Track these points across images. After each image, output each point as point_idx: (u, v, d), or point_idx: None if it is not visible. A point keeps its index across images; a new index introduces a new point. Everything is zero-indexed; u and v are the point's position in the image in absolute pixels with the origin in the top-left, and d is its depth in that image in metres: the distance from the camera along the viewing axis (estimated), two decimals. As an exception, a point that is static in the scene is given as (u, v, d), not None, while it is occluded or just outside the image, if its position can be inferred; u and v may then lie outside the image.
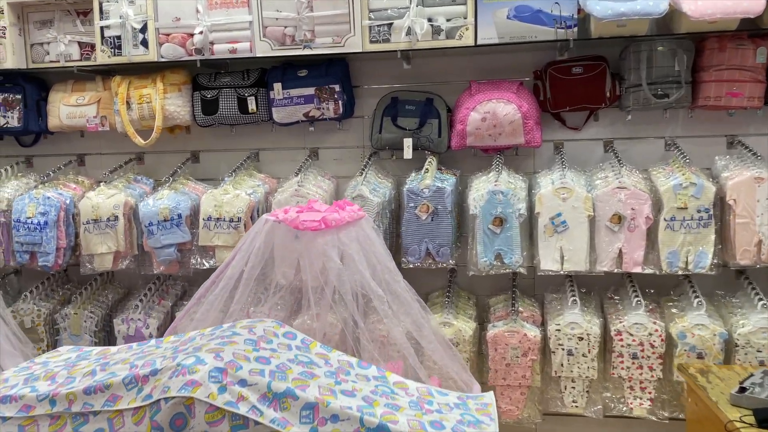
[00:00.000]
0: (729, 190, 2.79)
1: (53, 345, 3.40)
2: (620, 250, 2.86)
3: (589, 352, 2.88)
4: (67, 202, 3.25)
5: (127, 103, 3.25)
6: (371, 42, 2.94)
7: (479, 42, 2.86)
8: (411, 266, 3.01)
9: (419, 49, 2.91)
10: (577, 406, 2.96)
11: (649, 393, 2.90)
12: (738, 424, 2.08)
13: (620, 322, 2.88)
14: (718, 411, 2.21)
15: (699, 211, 2.79)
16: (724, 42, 2.84)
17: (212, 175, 3.47)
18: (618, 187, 2.81)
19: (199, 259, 3.17)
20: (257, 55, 3.06)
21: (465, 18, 2.86)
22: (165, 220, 3.12)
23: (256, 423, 1.49)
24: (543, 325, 3.03)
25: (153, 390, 1.50)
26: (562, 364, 2.91)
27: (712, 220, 2.79)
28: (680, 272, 2.86)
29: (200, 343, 1.66)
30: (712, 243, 2.80)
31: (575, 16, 2.79)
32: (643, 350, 2.85)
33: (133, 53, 3.15)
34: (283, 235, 2.37)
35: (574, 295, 2.96)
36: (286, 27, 3.02)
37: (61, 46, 3.30)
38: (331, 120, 3.22)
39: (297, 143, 3.43)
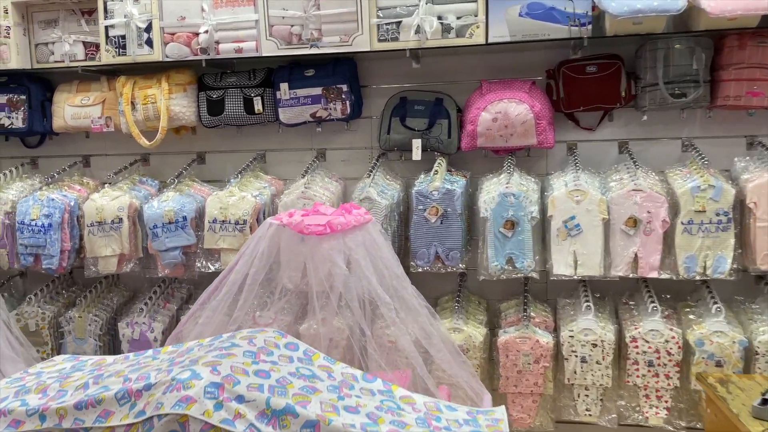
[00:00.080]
0: (749, 192, 2.71)
1: (57, 348, 3.38)
2: (636, 255, 2.79)
3: (603, 359, 2.81)
4: (72, 204, 3.21)
5: (132, 103, 3.22)
6: (379, 41, 2.89)
7: (490, 40, 2.80)
8: (420, 270, 2.96)
9: (429, 47, 2.86)
10: (590, 415, 2.90)
11: (666, 402, 2.83)
12: (761, 438, 2.00)
13: (635, 329, 2.81)
14: (740, 424, 2.13)
15: (718, 215, 2.71)
16: (744, 39, 2.75)
17: (218, 177, 3.43)
18: (633, 190, 2.75)
19: (204, 262, 3.14)
20: (263, 55, 3.01)
21: (476, 15, 2.80)
22: (170, 223, 3.07)
23: None
24: (555, 331, 2.97)
25: (146, 406, 1.44)
26: (575, 372, 2.84)
27: (732, 224, 2.71)
28: (698, 277, 2.78)
29: (197, 354, 1.60)
30: (732, 247, 2.72)
31: (589, 14, 2.72)
32: (659, 358, 2.78)
33: (137, 53, 3.11)
34: (289, 238, 2.32)
35: (587, 301, 2.89)
36: (292, 26, 2.97)
37: (65, 46, 3.26)
38: (338, 120, 3.17)
39: (304, 144, 3.39)
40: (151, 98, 3.19)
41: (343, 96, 3.07)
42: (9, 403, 1.56)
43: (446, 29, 2.82)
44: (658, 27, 2.69)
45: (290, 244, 2.33)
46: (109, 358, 1.82)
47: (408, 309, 2.26)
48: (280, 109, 3.14)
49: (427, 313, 2.29)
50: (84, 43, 3.27)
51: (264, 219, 2.93)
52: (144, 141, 3.22)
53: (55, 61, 3.30)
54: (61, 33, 3.27)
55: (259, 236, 2.31)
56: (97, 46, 3.22)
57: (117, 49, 3.14)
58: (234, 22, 3.01)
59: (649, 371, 2.79)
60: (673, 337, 2.75)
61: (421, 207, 2.90)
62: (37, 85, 3.42)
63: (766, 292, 2.86)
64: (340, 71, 3.08)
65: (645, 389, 2.83)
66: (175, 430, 1.42)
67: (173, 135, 3.41)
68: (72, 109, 3.34)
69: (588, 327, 2.81)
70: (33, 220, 3.16)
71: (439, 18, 2.81)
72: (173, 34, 3.08)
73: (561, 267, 2.82)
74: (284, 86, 3.11)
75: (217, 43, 3.04)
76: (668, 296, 3.02)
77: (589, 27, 2.72)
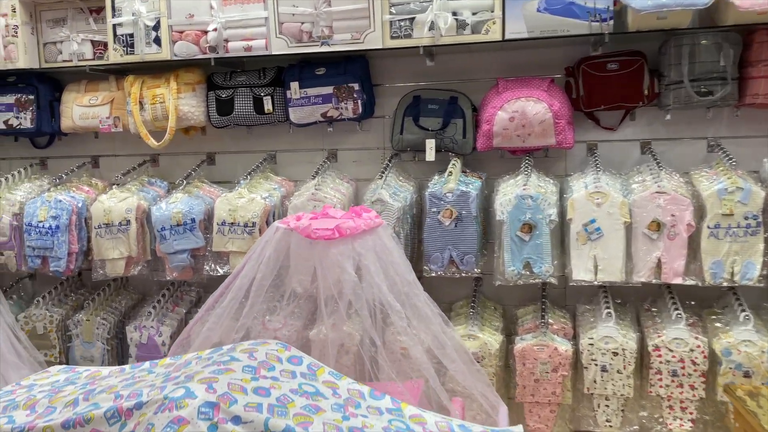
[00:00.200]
0: (780, 195, 2.60)
1: (65, 352, 3.35)
2: (659, 260, 2.71)
3: (624, 368, 2.73)
4: (80, 205, 3.17)
5: (140, 103, 3.16)
6: (392, 38, 2.82)
7: (507, 37, 2.72)
8: (433, 275, 2.90)
9: (443, 44, 2.78)
10: (611, 426, 2.82)
11: (690, 413, 2.73)
12: (795, 458, 1.88)
13: (659, 337, 2.72)
14: (772, 441, 2.01)
15: (746, 218, 2.61)
16: (775, 35, 2.64)
17: (228, 178, 3.38)
18: (657, 192, 2.66)
19: (212, 266, 3.08)
20: (273, 53, 2.95)
21: (492, 11, 2.72)
22: (178, 225, 3.02)
23: None
24: (575, 338, 2.89)
25: (137, 426, 1.36)
26: (595, 381, 2.76)
27: (761, 228, 2.62)
28: (725, 284, 2.68)
29: (194, 369, 1.51)
30: (761, 252, 2.62)
31: (611, 8, 2.63)
32: (683, 367, 2.69)
33: (145, 52, 3.06)
34: (298, 241, 2.25)
35: (608, 307, 2.81)
36: (303, 23, 2.91)
37: (73, 45, 3.22)
38: (350, 120, 3.10)
39: (315, 144, 3.33)
40: (159, 98, 3.14)
41: (355, 95, 3.00)
42: None
43: (461, 25, 2.75)
44: (684, 22, 2.60)
45: (299, 247, 2.27)
46: (105, 371, 1.75)
47: (420, 317, 2.18)
48: (290, 109, 3.08)
49: (440, 321, 2.20)
50: (92, 42, 3.22)
51: (274, 221, 2.87)
52: (152, 141, 3.17)
53: (64, 61, 3.26)
54: (69, 32, 3.22)
55: (266, 240, 2.24)
56: (106, 45, 3.17)
57: (125, 48, 3.09)
58: (243, 19, 2.94)
59: (672, 381, 2.70)
60: (699, 346, 2.66)
61: (434, 209, 2.84)
62: (46, 85, 3.39)
63: (797, 300, 2.75)
64: (351, 70, 3.01)
65: (669, 400, 2.74)
66: (166, 454, 1.33)
67: (183, 135, 3.37)
68: (80, 109, 3.30)
69: (608, 334, 2.73)
70: (40, 221, 3.12)
71: (454, 14, 2.74)
72: (182, 32, 3.03)
73: (581, 272, 2.75)
74: (294, 85, 3.04)
75: (226, 41, 2.98)
76: (692, 303, 2.93)
77: (611, 22, 2.63)
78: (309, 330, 2.72)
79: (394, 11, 2.80)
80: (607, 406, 2.80)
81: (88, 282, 3.58)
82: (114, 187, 3.24)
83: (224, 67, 3.20)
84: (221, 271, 3.05)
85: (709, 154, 2.95)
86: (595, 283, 2.75)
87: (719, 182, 2.65)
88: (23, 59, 3.21)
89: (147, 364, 1.70)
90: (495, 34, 2.72)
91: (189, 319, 3.25)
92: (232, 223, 2.98)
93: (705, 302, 2.95)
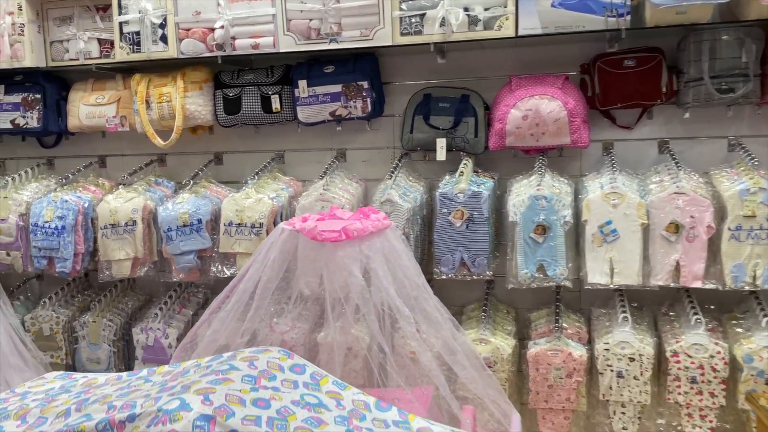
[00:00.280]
0: (805, 196, 2.52)
1: (72, 354, 3.33)
2: (677, 263, 2.63)
3: (641, 374, 2.66)
4: (86, 205, 3.14)
5: (147, 102, 3.13)
6: (402, 34, 2.76)
7: (521, 33, 2.66)
8: (444, 277, 2.84)
9: (454, 41, 2.72)
10: (627, 433, 2.73)
11: (710, 421, 2.66)
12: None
13: (677, 342, 2.65)
14: (797, 453, 1.93)
15: (769, 220, 2.52)
16: (800, 29, 2.56)
17: (236, 178, 3.34)
18: (675, 193, 2.59)
19: (219, 267, 3.04)
20: (281, 50, 2.90)
21: (505, 7, 2.66)
22: (184, 226, 2.98)
23: None
24: (590, 343, 2.83)
25: (128, 440, 1.31)
26: (610, 387, 2.70)
27: (785, 230, 2.52)
28: (747, 288, 2.60)
29: (191, 379, 1.45)
30: (785, 256, 2.54)
31: (628, 3, 2.56)
32: (703, 374, 2.62)
33: (152, 50, 3.02)
34: (305, 241, 2.19)
35: (624, 311, 2.74)
36: (311, 20, 2.86)
37: (80, 44, 3.19)
38: (359, 119, 3.05)
39: (324, 144, 3.28)
40: (166, 96, 3.10)
41: (364, 93, 2.94)
42: None
43: (473, 21, 2.69)
44: (704, 16, 2.52)
45: (306, 248, 2.21)
46: (101, 378, 1.70)
47: (430, 322, 2.11)
48: (298, 108, 3.03)
49: (450, 327, 2.14)
50: (99, 40, 3.19)
51: (281, 222, 2.83)
52: (159, 141, 3.13)
53: (70, 59, 3.23)
54: (76, 30, 3.19)
55: (271, 242, 2.18)
56: (112, 43, 3.14)
57: (131, 46, 3.06)
58: (251, 16, 2.90)
59: (691, 388, 2.63)
60: (719, 352, 2.59)
61: (445, 210, 2.78)
62: (53, 84, 3.36)
63: (822, 305, 2.65)
64: (360, 67, 2.96)
65: (687, 407, 2.67)
66: (158, 470, 1.28)
67: (190, 135, 3.34)
68: (87, 108, 3.27)
69: (625, 339, 2.67)
70: (46, 222, 3.10)
71: (466, 9, 2.68)
72: (188, 29, 2.99)
73: (596, 275, 2.68)
74: (303, 83, 2.99)
75: (234, 38, 2.93)
76: (712, 307, 2.86)
77: (628, 18, 2.56)
78: (317, 333, 2.67)
79: (404, 7, 2.74)
80: (623, 413, 2.73)
81: (94, 283, 3.55)
82: (120, 187, 3.21)
83: (231, 65, 3.15)
84: (228, 273, 3.01)
85: (730, 153, 2.87)
86: (611, 286, 2.69)
87: (741, 182, 2.58)
88: (30, 58, 3.18)
89: (144, 371, 1.65)
90: (508, 30, 2.66)
91: (196, 321, 3.20)
92: (239, 224, 2.93)
93: (725, 306, 2.87)
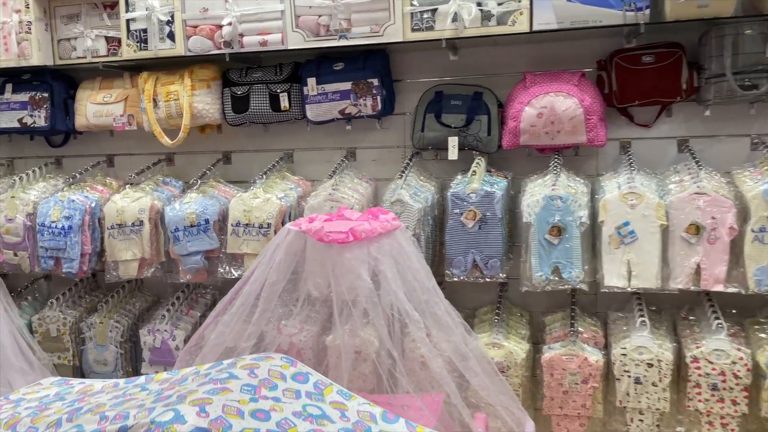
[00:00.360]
0: (832, 196, 2.43)
1: (79, 355, 3.30)
2: (698, 266, 2.56)
3: (660, 380, 2.59)
4: (93, 205, 3.11)
5: (154, 100, 3.09)
6: (413, 30, 2.71)
7: (535, 28, 2.60)
8: (456, 279, 2.79)
9: (467, 37, 2.67)
10: (645, 441, 2.66)
11: (732, 430, 2.58)
12: None
13: (697, 348, 2.58)
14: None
15: (794, 221, 2.44)
16: (827, 23, 2.48)
17: (245, 177, 3.30)
18: (696, 193, 2.52)
19: (227, 268, 2.99)
20: (289, 47, 2.85)
21: (519, 1, 2.60)
22: (191, 226, 2.94)
23: None
24: (606, 348, 2.76)
25: (119, 454, 1.25)
26: (628, 393, 2.63)
27: (811, 232, 2.44)
28: (771, 292, 2.51)
29: (188, 388, 1.39)
30: (811, 258, 2.45)
31: (647, -3, 2.49)
32: (724, 381, 2.54)
33: (159, 47, 2.99)
34: (313, 242, 2.14)
35: (642, 315, 2.68)
36: (320, 16, 2.81)
37: (87, 42, 3.16)
38: (369, 117, 3.01)
39: (333, 143, 3.24)
40: (173, 95, 3.06)
41: (374, 91, 2.89)
42: None
43: (486, 16, 2.63)
44: (727, 10, 2.45)
45: (314, 249, 2.16)
46: (98, 385, 1.65)
47: (440, 326, 2.05)
48: (307, 106, 2.99)
49: (462, 331, 2.08)
50: (106, 38, 3.16)
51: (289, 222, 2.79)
52: (166, 140, 3.10)
53: (78, 57, 3.21)
54: (83, 28, 3.17)
55: (277, 243, 2.13)
56: (119, 41, 3.11)
57: (138, 44, 3.02)
58: (258, 13, 2.86)
59: (713, 395, 2.56)
60: (741, 358, 2.51)
61: (457, 211, 2.73)
62: (60, 83, 3.33)
63: None
64: (370, 64, 2.92)
65: (708, 415, 2.59)
66: (150, 485, 1.22)
67: (199, 134, 3.31)
68: (94, 106, 3.24)
69: (643, 344, 2.60)
70: (53, 222, 3.07)
71: (479, 4, 2.63)
72: (196, 27, 2.95)
73: (613, 278, 2.62)
74: (312, 81, 2.95)
75: (241, 35, 2.89)
76: (734, 311, 2.77)
77: (647, 12, 2.50)
78: (326, 335, 2.62)
79: (415, 2, 2.69)
80: (641, 420, 2.66)
81: (102, 283, 3.54)
82: (128, 186, 3.18)
83: (240, 62, 3.12)
84: (236, 274, 2.96)
85: (753, 152, 2.79)
86: (629, 289, 2.63)
87: (764, 182, 2.50)
88: (37, 56, 3.16)
89: (142, 379, 1.60)
90: (522, 26, 2.61)
91: (204, 322, 3.16)
92: (246, 224, 2.89)
93: (747, 311, 2.78)
